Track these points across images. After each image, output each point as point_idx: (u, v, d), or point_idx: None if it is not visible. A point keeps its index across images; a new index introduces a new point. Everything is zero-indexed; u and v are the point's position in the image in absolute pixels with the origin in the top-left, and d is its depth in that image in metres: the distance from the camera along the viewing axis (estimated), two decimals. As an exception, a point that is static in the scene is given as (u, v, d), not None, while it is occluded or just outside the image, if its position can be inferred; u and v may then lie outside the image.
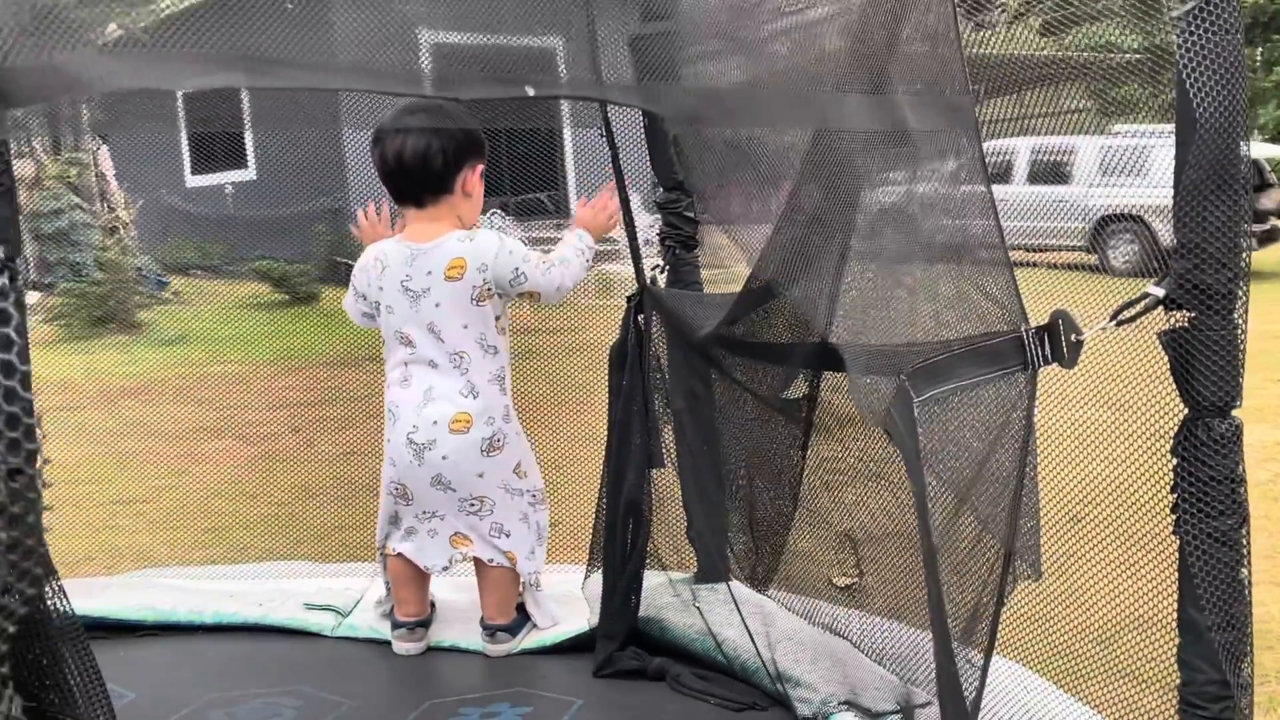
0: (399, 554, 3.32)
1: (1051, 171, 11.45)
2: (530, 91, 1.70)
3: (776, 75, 2.74)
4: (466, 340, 3.16)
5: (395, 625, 3.36)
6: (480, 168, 3.23)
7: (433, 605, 3.46)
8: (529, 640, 3.34)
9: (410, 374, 3.20)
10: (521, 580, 3.34)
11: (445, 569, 3.32)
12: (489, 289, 3.15)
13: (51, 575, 1.26)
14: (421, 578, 3.35)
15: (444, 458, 3.16)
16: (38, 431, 1.18)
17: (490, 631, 3.32)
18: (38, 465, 1.18)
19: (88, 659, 1.36)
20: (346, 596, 3.73)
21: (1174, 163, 2.06)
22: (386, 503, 3.32)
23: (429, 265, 3.15)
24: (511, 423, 3.26)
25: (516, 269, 3.16)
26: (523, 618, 3.37)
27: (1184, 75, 1.95)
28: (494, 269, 3.15)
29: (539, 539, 3.35)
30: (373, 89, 2.03)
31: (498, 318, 3.20)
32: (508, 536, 3.27)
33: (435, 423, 3.16)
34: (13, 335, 1.00)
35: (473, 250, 3.15)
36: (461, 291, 3.14)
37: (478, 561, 3.32)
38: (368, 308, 3.32)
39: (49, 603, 1.29)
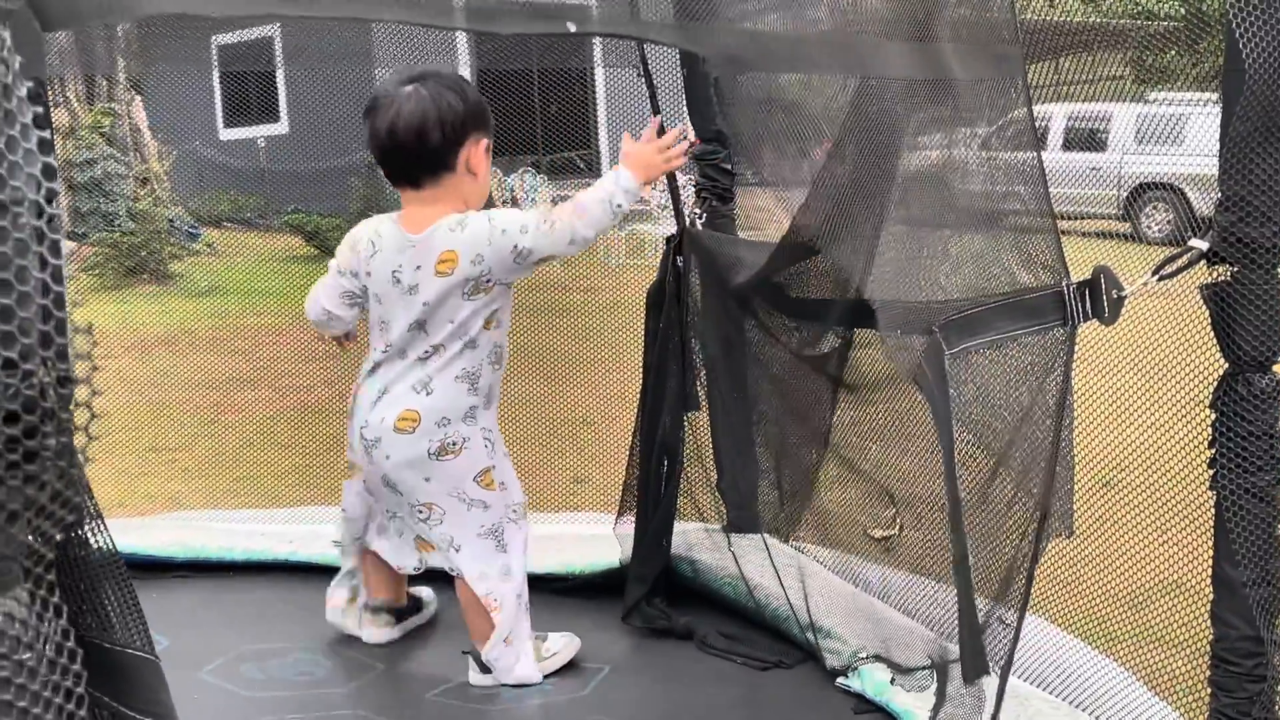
0: (373, 550, 3.08)
1: (1086, 138, 11.38)
2: (571, 28, 1.67)
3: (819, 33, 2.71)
4: (449, 335, 2.82)
5: (365, 608, 3.12)
6: (485, 143, 2.87)
7: (416, 600, 3.22)
8: (557, 567, 3.15)
9: (379, 365, 2.90)
10: (485, 607, 2.92)
11: (417, 569, 3.06)
12: (487, 280, 2.80)
13: (89, 499, 1.27)
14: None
15: (388, 458, 2.85)
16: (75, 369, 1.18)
17: (477, 662, 2.95)
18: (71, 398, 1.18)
19: (125, 586, 1.38)
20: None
21: (1219, 122, 2.04)
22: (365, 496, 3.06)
23: (419, 259, 2.81)
24: (477, 424, 2.87)
25: (515, 246, 2.77)
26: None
27: (1233, 24, 1.93)
28: (490, 257, 2.78)
29: (522, 561, 2.96)
30: (408, 20, 2.00)
31: (493, 312, 2.85)
32: (458, 551, 2.91)
33: (383, 420, 2.84)
34: (60, 243, 1.01)
35: (464, 240, 2.79)
36: (452, 287, 2.79)
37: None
38: (351, 285, 2.96)
39: (87, 528, 1.30)
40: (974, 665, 2.11)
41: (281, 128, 15.73)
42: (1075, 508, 2.37)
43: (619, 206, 2.82)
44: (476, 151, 2.84)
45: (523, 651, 2.92)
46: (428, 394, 2.82)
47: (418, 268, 2.81)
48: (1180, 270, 2.10)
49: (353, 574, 3.15)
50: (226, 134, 16.42)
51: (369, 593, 3.12)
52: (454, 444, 2.84)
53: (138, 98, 15.27)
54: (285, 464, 6.24)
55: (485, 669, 2.93)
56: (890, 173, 2.43)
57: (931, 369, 2.00)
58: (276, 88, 15.21)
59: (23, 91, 1.00)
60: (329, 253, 3.16)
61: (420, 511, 2.89)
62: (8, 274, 0.96)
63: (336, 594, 3.16)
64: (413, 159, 2.83)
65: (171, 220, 13.38)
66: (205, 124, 15.78)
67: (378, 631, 3.10)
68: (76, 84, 14.61)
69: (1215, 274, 2.08)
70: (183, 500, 5.73)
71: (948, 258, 2.42)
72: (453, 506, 2.87)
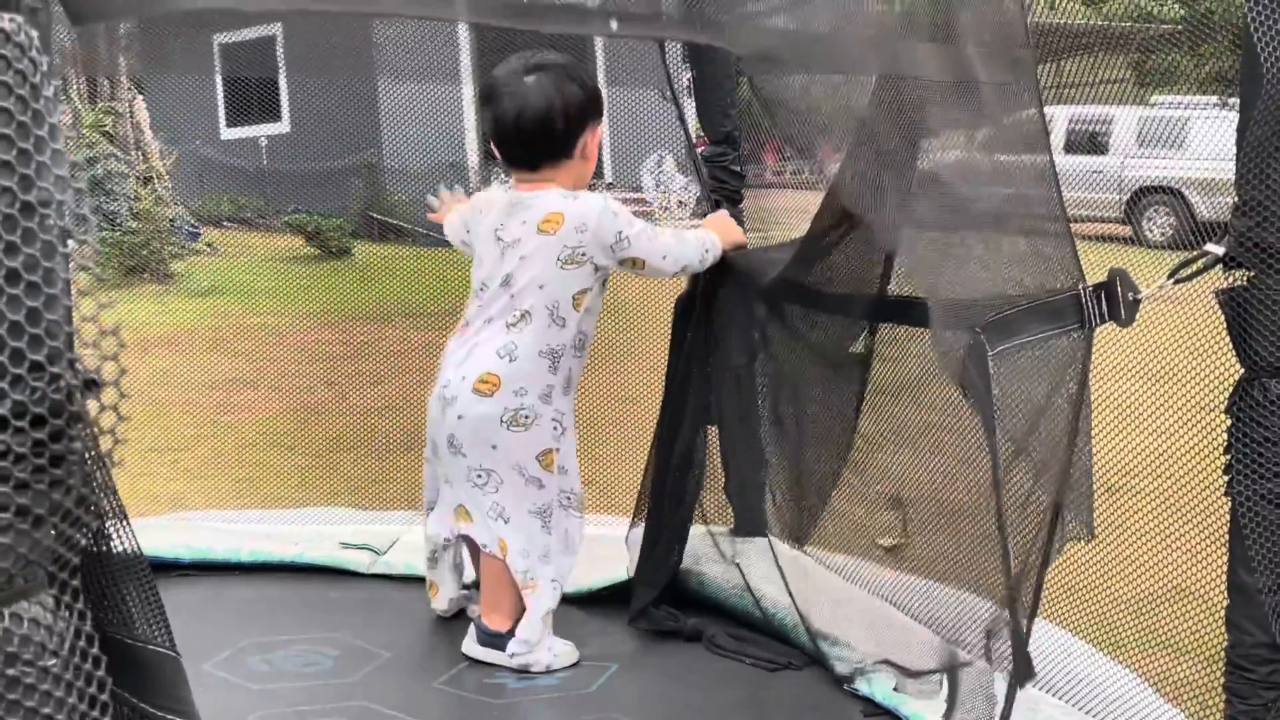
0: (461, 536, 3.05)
1: (1088, 142, 11.36)
2: (614, 26, 1.66)
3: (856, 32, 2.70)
4: (537, 302, 2.89)
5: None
6: (599, 129, 3.01)
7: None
8: (567, 587, 3.07)
9: (470, 324, 2.98)
10: (519, 584, 2.94)
11: (448, 541, 3.07)
12: (582, 253, 2.90)
13: (115, 500, 1.27)
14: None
15: (460, 417, 2.90)
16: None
17: (480, 633, 2.99)
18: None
19: (147, 582, 1.37)
20: (382, 537, 3.75)
21: (1221, 126, 2.04)
22: (427, 468, 3.10)
23: (525, 215, 2.92)
24: (550, 405, 2.93)
25: (620, 232, 2.91)
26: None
27: (1252, 26, 1.91)
28: (594, 230, 2.89)
29: (564, 548, 3.01)
30: (441, 17, 2.00)
31: (582, 291, 2.93)
32: (505, 522, 2.93)
33: (464, 378, 2.90)
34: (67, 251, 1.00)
35: (575, 208, 2.90)
36: (550, 248, 2.89)
37: (470, 545, 3.05)
38: (468, 239, 3.13)
39: (111, 526, 1.29)
40: (1024, 670, 2.12)
41: (283, 127, 15.71)
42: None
43: (706, 252, 3.06)
44: (593, 138, 3.00)
45: (545, 639, 2.95)
46: (510, 360, 2.89)
47: (522, 223, 2.93)
48: (1196, 274, 2.09)
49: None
50: (228, 133, 16.39)
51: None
52: (526, 417, 2.90)
53: (139, 96, 15.26)
54: (287, 464, 6.23)
55: (487, 642, 2.96)
56: (909, 171, 2.42)
57: (977, 370, 2.00)
58: (278, 87, 15.19)
59: (50, 91, 0.99)
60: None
61: (479, 476, 2.92)
62: (35, 276, 0.95)
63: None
64: (536, 147, 2.95)
65: (173, 220, 13.35)
66: (207, 123, 15.76)
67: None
68: (79, 82, 14.60)
69: (1231, 279, 2.07)
70: (185, 501, 5.71)
71: (967, 260, 2.42)
72: (511, 478, 2.92)
